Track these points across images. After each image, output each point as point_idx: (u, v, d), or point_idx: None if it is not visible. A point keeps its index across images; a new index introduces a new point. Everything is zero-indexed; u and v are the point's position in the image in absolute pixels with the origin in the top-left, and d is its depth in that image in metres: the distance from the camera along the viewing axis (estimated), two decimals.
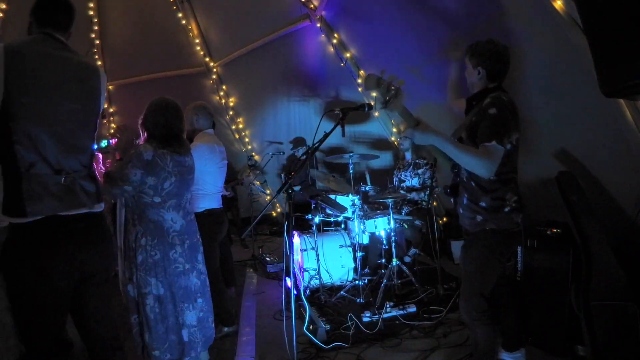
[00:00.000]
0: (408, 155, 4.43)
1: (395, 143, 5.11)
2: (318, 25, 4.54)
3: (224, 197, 3.22)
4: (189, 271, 2.08)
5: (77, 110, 1.63)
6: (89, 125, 1.71)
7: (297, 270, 3.84)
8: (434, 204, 4.58)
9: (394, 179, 4.49)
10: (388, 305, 3.14)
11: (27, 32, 1.68)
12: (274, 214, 7.43)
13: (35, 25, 1.64)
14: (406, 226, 4.12)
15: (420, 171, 4.29)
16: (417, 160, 4.34)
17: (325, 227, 4.40)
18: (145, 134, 2.10)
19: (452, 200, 2.18)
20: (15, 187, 1.48)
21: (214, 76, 6.12)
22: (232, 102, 6.36)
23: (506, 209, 1.94)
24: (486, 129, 1.84)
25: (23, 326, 1.61)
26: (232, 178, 6.14)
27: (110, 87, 6.54)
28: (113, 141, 2.82)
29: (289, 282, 3.36)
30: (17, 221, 1.50)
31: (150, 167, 1.94)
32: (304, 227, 4.16)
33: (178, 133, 2.14)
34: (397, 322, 3.00)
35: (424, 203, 4.25)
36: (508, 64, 2.01)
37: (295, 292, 3.41)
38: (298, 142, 5.73)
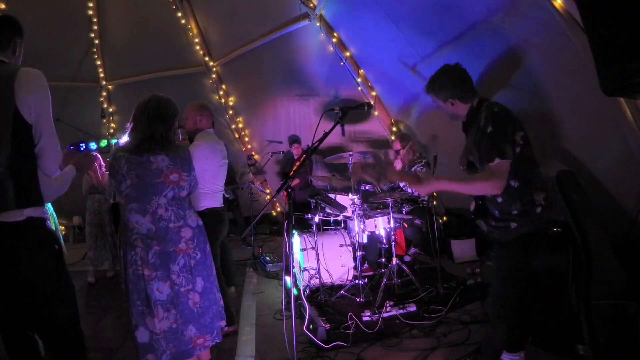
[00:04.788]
0: (409, 154, 4.44)
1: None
2: (317, 24, 4.54)
3: (223, 198, 3.21)
4: (152, 278, 1.97)
5: None
6: (3, 125, 1.61)
7: (297, 270, 3.84)
8: (434, 202, 4.58)
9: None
10: (388, 305, 3.14)
11: None
12: (274, 213, 7.43)
13: None
14: (406, 225, 4.12)
15: (414, 168, 4.30)
16: (414, 160, 4.35)
17: (325, 226, 4.40)
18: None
19: (480, 225, 2.15)
20: None
21: (214, 75, 6.12)
22: (231, 101, 6.36)
23: (538, 210, 1.92)
24: (486, 148, 1.88)
25: None
26: (232, 180, 6.17)
27: (110, 87, 6.54)
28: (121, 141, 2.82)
29: (288, 281, 3.36)
30: None
31: (110, 170, 2.04)
32: (304, 227, 4.16)
33: (154, 134, 2.04)
34: (397, 321, 3.00)
35: (424, 202, 4.26)
36: (470, 79, 2.04)
37: (295, 292, 3.41)
38: (294, 140, 5.73)
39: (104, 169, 4.90)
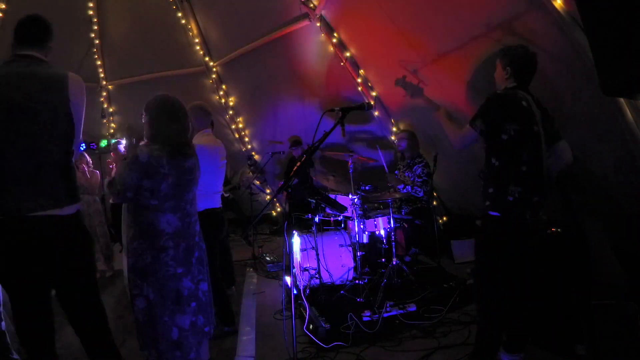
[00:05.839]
0: (403, 144, 4.45)
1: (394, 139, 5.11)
2: (318, 24, 4.53)
3: (222, 198, 3.21)
4: (182, 275, 2.01)
5: (46, 118, 1.75)
6: (59, 129, 1.80)
7: (297, 270, 3.84)
8: (434, 203, 4.58)
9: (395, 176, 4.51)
10: (388, 305, 3.14)
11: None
12: (274, 214, 7.43)
13: (15, 46, 1.84)
14: (406, 225, 4.12)
15: (415, 168, 4.31)
16: (415, 160, 4.35)
17: (325, 226, 4.40)
18: (149, 135, 2.07)
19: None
20: None
21: (214, 76, 6.12)
22: (231, 101, 6.36)
23: (509, 198, 2.02)
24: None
25: (17, 324, 1.77)
26: (226, 182, 6.17)
27: (110, 87, 6.54)
28: (123, 141, 2.81)
29: (288, 281, 3.36)
30: None
31: (146, 170, 1.93)
32: (304, 227, 4.15)
33: (182, 136, 2.11)
34: (397, 321, 3.00)
35: (423, 202, 4.26)
36: (534, 70, 2.13)
37: (295, 292, 3.41)
38: (295, 142, 5.72)
39: (92, 167, 4.81)
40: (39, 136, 1.73)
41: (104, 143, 6.69)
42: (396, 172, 4.57)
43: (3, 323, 2.33)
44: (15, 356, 2.34)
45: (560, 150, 2.15)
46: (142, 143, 2.16)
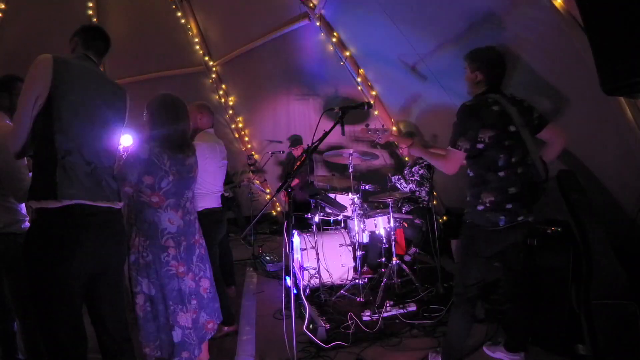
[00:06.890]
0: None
1: (396, 143, 5.11)
2: (317, 23, 4.53)
3: (222, 197, 3.21)
4: (183, 274, 2.02)
5: (107, 115, 1.87)
6: (115, 131, 1.93)
7: (296, 270, 3.84)
8: (434, 202, 4.58)
9: (393, 179, 4.51)
10: (388, 304, 3.14)
11: (70, 49, 1.95)
12: (274, 213, 7.43)
13: (81, 46, 1.93)
14: (406, 225, 4.12)
15: (415, 169, 4.30)
16: (417, 160, 4.36)
17: (325, 226, 4.40)
18: (149, 132, 2.07)
19: None
20: (51, 172, 1.63)
21: (214, 75, 6.12)
22: (231, 101, 6.36)
23: (479, 207, 2.07)
24: (451, 134, 2.11)
25: (42, 313, 1.69)
26: (228, 180, 6.17)
27: None
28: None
29: (288, 281, 3.35)
30: (45, 205, 1.63)
31: (147, 166, 1.94)
32: (304, 226, 4.15)
33: (183, 134, 2.12)
34: (397, 321, 3.00)
35: (423, 202, 4.26)
36: (505, 70, 2.15)
37: (295, 291, 3.41)
38: (295, 140, 5.72)
39: None
40: (105, 132, 1.85)
41: None
42: (405, 171, 4.58)
43: (15, 323, 2.33)
44: (21, 357, 2.35)
45: (549, 136, 2.16)
46: (141, 140, 2.16)
